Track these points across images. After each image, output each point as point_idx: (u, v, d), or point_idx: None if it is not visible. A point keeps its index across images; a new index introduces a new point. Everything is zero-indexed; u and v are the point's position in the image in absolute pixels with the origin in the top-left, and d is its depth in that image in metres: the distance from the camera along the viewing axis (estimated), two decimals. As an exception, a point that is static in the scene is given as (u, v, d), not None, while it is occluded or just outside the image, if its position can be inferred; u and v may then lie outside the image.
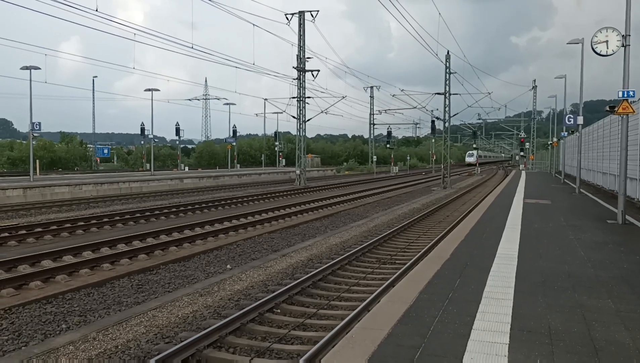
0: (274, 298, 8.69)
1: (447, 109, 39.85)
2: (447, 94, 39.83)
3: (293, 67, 41.38)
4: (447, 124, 41.28)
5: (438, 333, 5.15)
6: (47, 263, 11.08)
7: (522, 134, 73.74)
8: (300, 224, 18.18)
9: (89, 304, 8.81)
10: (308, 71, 41.61)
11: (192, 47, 24.05)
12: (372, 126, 69.44)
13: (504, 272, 7.90)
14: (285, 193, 30.68)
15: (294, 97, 41.81)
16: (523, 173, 49.59)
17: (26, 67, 30.89)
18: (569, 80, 34.55)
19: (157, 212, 19.56)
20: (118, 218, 17.84)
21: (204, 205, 22.49)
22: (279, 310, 8.55)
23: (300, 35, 40.24)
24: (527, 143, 68.48)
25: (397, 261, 12.36)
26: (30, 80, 31.10)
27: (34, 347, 6.81)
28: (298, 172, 41.10)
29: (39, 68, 31.14)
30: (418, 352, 4.66)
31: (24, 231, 14.85)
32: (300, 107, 41.61)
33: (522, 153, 69.49)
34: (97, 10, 17.75)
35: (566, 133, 39.54)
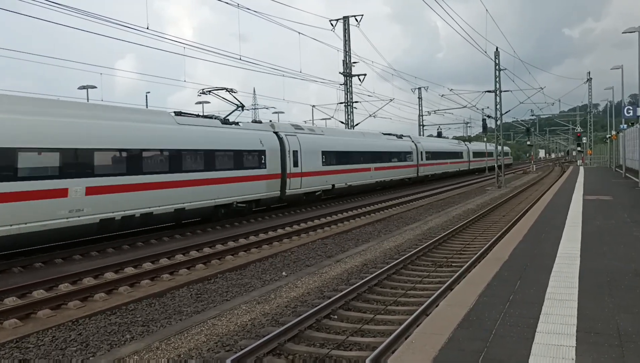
0: (330, 304, 8.70)
1: (498, 106, 38.99)
2: (497, 92, 38.99)
3: (339, 72, 41.51)
4: (498, 122, 40.38)
5: (500, 337, 5.03)
6: (110, 275, 11.45)
7: (579, 129, 71.26)
8: (353, 230, 18.13)
9: (151, 314, 9.05)
10: (354, 75, 41.64)
11: (240, 59, 24.44)
12: (421, 127, 68.69)
13: (567, 272, 7.65)
14: (335, 198, 30.63)
15: (341, 103, 41.89)
16: (581, 169, 47.96)
17: (83, 87, 32.25)
18: (626, 71, 33.29)
19: (214, 222, 19.89)
20: (177, 229, 18.24)
21: (257, 213, 22.75)
22: (335, 316, 8.55)
23: (345, 41, 40.32)
24: (584, 138, 66.16)
25: (453, 264, 12.16)
26: (88, 99, 32.42)
27: (101, 357, 7.05)
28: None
29: (95, 87, 32.49)
30: (481, 356, 4.56)
31: (89, 245, 15.37)
32: (348, 112, 41.64)
33: (579, 148, 67.19)
34: (147, 28, 18.29)
35: (625, 126, 38.00)
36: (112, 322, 8.66)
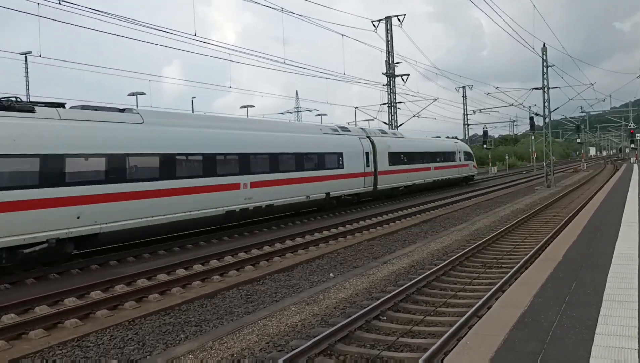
0: (379, 306, 8.69)
1: (546, 103, 38.04)
2: (545, 88, 38.05)
3: (382, 73, 41.33)
4: (547, 120, 39.37)
5: (558, 339, 4.93)
6: (162, 277, 11.74)
7: (632, 125, 68.69)
8: (399, 231, 18.03)
9: (203, 314, 9.24)
10: (397, 75, 41.39)
11: (284, 62, 24.69)
12: (466, 126, 67.66)
13: (624, 273, 7.43)
14: (381, 198, 30.51)
15: (384, 103, 41.69)
16: (635, 166, 46.28)
17: (133, 94, 33.18)
18: (682, 63, 31.94)
19: (259, 224, 20.13)
20: (225, 231, 18.55)
21: (301, 215, 22.90)
22: (385, 318, 8.54)
23: (388, 41, 40.15)
24: (638, 134, 63.71)
25: (503, 265, 11.95)
26: (137, 105, 33.32)
27: (157, 356, 7.24)
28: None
29: (144, 93, 33.41)
30: (538, 357, 4.49)
31: (141, 247, 15.80)
32: (391, 112, 41.41)
33: (632, 145, 64.79)
34: (195, 35, 18.70)
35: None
36: (166, 322, 8.88)
